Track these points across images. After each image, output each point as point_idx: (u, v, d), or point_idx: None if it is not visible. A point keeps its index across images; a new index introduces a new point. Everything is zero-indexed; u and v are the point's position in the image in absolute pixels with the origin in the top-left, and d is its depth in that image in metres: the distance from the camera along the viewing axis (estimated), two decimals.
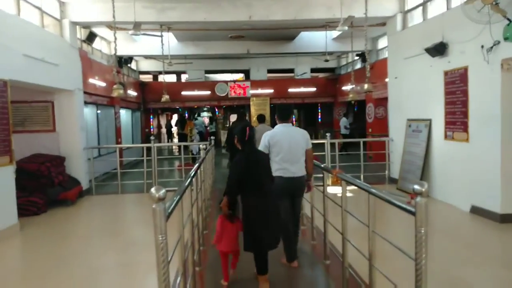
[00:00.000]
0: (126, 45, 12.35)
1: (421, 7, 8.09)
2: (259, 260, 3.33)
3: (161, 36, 8.71)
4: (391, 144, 9.08)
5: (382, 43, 12.93)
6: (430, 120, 7.54)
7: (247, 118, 19.85)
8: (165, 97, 8.60)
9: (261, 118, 6.97)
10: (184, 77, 18.33)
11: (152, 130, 19.36)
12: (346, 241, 3.14)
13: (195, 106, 20.21)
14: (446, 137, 7.08)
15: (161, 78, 20.38)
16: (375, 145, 12.24)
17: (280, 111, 4.05)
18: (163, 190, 1.82)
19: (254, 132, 3.43)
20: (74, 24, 8.33)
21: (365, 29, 7.59)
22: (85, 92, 9.80)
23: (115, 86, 5.92)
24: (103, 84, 10.93)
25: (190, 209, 3.33)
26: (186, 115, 22.06)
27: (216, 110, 21.50)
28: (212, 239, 3.63)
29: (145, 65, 17.05)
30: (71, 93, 8.28)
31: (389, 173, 9.05)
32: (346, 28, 7.23)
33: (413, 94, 8.19)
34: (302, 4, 8.40)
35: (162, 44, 8.67)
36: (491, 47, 5.75)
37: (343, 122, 14.49)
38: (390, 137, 9.14)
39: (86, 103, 10.16)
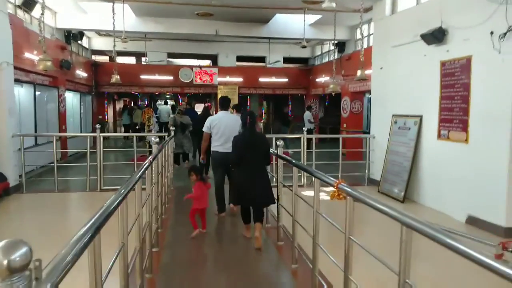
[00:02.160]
0: (73, 17, 10.64)
1: None
2: (243, 213, 4.37)
3: (113, 2, 7.23)
4: (373, 141, 8.22)
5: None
6: (420, 116, 6.70)
7: (212, 108, 18.58)
8: (115, 78, 7.19)
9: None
10: (144, 61, 16.63)
11: (106, 117, 17.56)
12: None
13: (157, 93, 18.59)
14: (439, 136, 6.26)
15: (117, 59, 18.63)
16: (350, 142, 11.45)
17: (221, 102, 5.42)
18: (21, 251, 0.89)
19: (254, 119, 4.29)
20: None
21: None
22: (19, 69, 8.18)
23: (40, 57, 4.50)
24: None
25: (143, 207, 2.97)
26: (146, 102, 20.45)
27: (180, 98, 19.99)
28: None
29: (99, 44, 15.16)
30: None
31: (369, 174, 8.20)
32: (334, 5, 6.18)
33: (401, 87, 7.33)
34: None
35: (114, 14, 7.21)
36: (505, 34, 4.91)
37: (307, 116, 13.05)
38: (372, 134, 8.28)
39: (20, 81, 8.52)
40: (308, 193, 7.17)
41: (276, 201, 4.21)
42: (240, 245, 4.24)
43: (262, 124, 17.73)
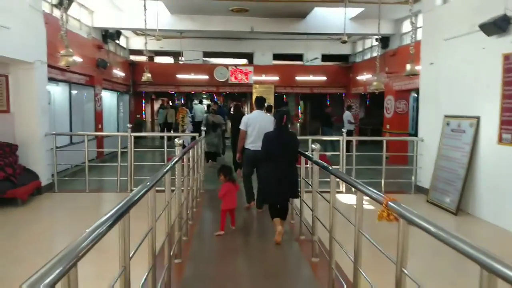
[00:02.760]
0: (109, 15, 10.67)
1: None
2: (270, 209, 4.38)
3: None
4: (421, 145, 7.45)
5: (407, 26, 11.22)
6: (478, 118, 5.91)
7: (247, 107, 18.22)
8: (147, 76, 6.99)
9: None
10: (180, 60, 16.57)
11: (144, 116, 17.74)
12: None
13: (193, 92, 18.53)
14: (501, 140, 5.46)
15: (155, 59, 18.74)
16: (393, 145, 10.66)
17: (257, 101, 5.55)
18: None
19: (290, 119, 4.41)
20: None
21: None
22: (54, 67, 8.21)
23: (62, 52, 4.30)
24: (79, 59, 9.27)
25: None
26: (182, 101, 20.48)
27: (215, 97, 19.84)
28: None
29: (137, 43, 15.26)
30: (31, 66, 6.67)
31: (416, 181, 7.45)
32: None
33: (454, 84, 6.54)
34: None
35: (145, 10, 7.00)
36: None
37: (347, 116, 12.29)
38: (420, 137, 7.51)
39: (56, 80, 8.59)
40: (346, 196, 6.60)
41: (299, 196, 4.43)
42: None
43: (298, 124, 17.13)
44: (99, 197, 7.14)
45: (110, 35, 11.76)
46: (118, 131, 12.88)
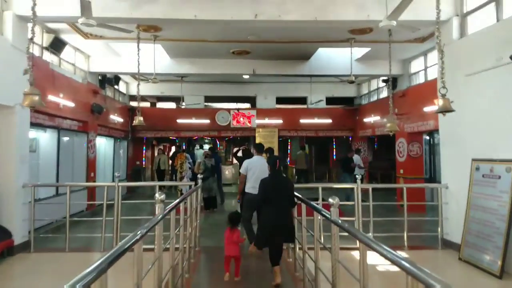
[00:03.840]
0: (106, 60, 10.31)
1: (492, 4, 5.89)
2: (270, 254, 4.54)
3: (138, 38, 6.57)
4: (445, 192, 6.59)
5: (416, 66, 10.76)
6: None
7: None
8: (138, 119, 6.37)
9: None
10: (180, 104, 16.15)
11: (144, 163, 17.03)
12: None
13: (195, 137, 17.97)
14: None
15: (158, 105, 18.36)
16: (408, 192, 9.73)
17: (257, 147, 6.31)
18: None
19: (282, 163, 5.89)
20: (20, 18, 6.23)
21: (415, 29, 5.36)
22: (42, 112, 7.65)
23: (26, 90, 3.65)
24: (70, 104, 8.76)
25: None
26: (184, 147, 19.89)
27: (218, 142, 19.26)
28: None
29: (140, 88, 14.85)
30: (11, 110, 6.09)
31: (443, 233, 6.49)
32: (395, 23, 5.00)
33: (481, 124, 5.81)
34: (326, 1, 6.28)
35: (138, 50, 6.52)
36: None
37: (356, 160, 11.30)
38: (444, 183, 6.66)
39: (43, 126, 7.98)
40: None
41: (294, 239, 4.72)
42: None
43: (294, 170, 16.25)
44: (80, 258, 6.19)
45: (108, 80, 11.37)
46: (113, 180, 12.10)
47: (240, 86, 15.24)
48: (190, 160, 11.83)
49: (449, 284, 1.42)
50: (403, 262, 1.74)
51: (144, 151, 17.14)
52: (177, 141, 19.99)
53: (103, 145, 12.14)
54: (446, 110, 3.93)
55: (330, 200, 3.00)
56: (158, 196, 2.99)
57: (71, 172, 9.15)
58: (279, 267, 4.46)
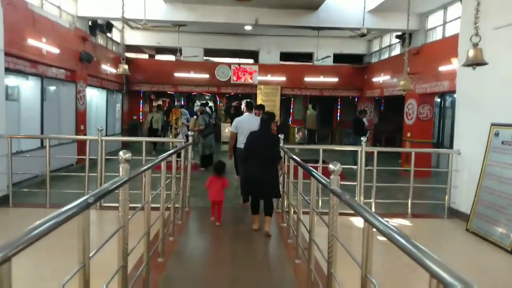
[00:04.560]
0: (96, 4, 9.44)
1: None
2: (252, 204, 4.85)
3: None
4: (456, 159, 6.06)
5: (433, 21, 9.85)
6: None
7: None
8: (123, 67, 5.72)
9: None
10: (178, 56, 15.29)
11: (141, 118, 16.47)
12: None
13: (194, 93, 17.29)
14: None
15: (156, 57, 17.51)
16: (415, 156, 9.24)
17: (246, 105, 7.11)
18: None
19: (270, 119, 4.87)
20: None
21: None
22: (22, 58, 7.02)
23: None
24: (55, 50, 8.07)
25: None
26: (182, 102, 19.27)
27: (218, 99, 18.59)
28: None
29: (134, 39, 14.00)
30: None
31: (450, 202, 6.04)
32: None
33: (506, 86, 5.16)
34: None
35: None
36: None
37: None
38: (456, 149, 6.12)
39: (24, 73, 7.37)
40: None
41: (281, 196, 4.95)
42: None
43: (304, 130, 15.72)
44: None
45: (99, 26, 10.55)
46: (106, 133, 11.63)
47: (242, 39, 14.32)
48: (188, 116, 11.25)
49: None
50: (426, 261, 1.24)
51: (141, 106, 16.55)
52: (174, 95, 19.33)
53: (96, 97, 11.56)
54: (476, 63, 3.25)
55: (331, 166, 2.47)
56: (123, 155, 2.46)
57: (57, 124, 8.64)
58: (270, 218, 4.65)
